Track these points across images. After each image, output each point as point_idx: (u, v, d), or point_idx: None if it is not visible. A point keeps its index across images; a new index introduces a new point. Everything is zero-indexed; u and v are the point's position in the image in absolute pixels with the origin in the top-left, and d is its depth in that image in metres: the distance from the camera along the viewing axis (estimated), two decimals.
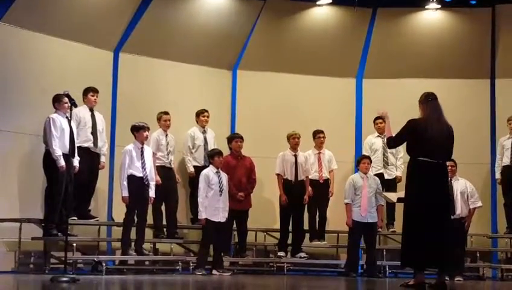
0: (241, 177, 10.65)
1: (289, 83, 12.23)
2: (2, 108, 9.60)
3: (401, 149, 9.99)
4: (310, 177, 11.13)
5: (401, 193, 9.09)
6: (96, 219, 10.06)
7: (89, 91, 9.95)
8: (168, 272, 10.19)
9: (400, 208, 8.98)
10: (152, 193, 9.69)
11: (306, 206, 11.04)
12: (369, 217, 10.41)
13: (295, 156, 11.00)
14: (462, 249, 10.32)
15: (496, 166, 11.50)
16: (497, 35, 12.02)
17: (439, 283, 7.35)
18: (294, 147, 11.05)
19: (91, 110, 9.97)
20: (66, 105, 8.88)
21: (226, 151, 10.63)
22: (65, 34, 10.28)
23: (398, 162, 11.32)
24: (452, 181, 10.09)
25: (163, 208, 10.50)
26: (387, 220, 11.32)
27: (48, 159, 9.13)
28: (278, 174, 10.99)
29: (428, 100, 7.46)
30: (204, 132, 11.08)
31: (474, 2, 11.82)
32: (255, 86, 12.19)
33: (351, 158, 12.06)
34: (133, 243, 9.63)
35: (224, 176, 10.04)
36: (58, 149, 9.05)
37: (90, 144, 9.87)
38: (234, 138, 10.82)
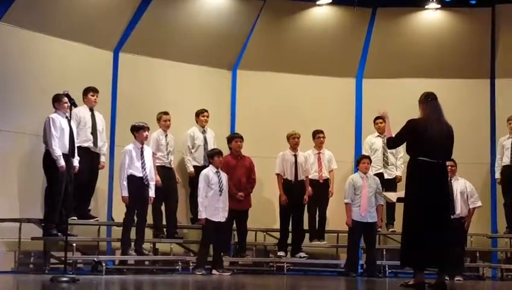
0: (240, 177, 10.65)
1: (289, 83, 12.24)
2: (2, 108, 9.60)
3: (401, 149, 9.98)
4: (309, 177, 11.14)
5: (400, 192, 9.10)
6: (96, 218, 10.07)
7: (89, 91, 9.95)
8: (168, 272, 10.19)
9: (399, 208, 8.99)
10: (152, 193, 9.69)
11: (306, 206, 11.04)
12: (369, 217, 10.41)
13: (295, 156, 11.01)
14: (462, 249, 10.32)
15: (495, 166, 11.50)
16: (497, 35, 12.02)
17: (439, 283, 7.35)
18: (294, 147, 11.05)
19: (91, 110, 9.97)
20: (66, 105, 8.88)
21: (225, 151, 10.63)
22: (65, 34, 10.28)
23: (398, 162, 11.33)
24: (452, 181, 10.09)
25: (163, 208, 10.50)
26: (387, 220, 11.32)
27: (48, 159, 9.13)
28: (277, 174, 10.99)
29: (428, 100, 7.46)
30: (204, 132, 11.08)
31: (474, 2, 11.82)
32: (255, 85, 12.20)
33: (351, 158, 12.06)
34: (132, 243, 9.63)
35: (224, 176, 10.04)
36: (58, 149, 9.05)
37: (90, 144, 9.87)
38: (234, 138, 10.83)
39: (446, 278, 8.21)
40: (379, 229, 10.87)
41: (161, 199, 10.28)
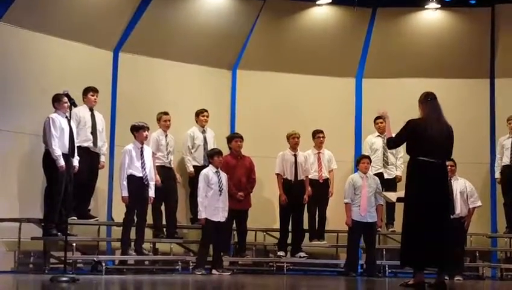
0: (240, 176, 10.65)
1: (289, 83, 12.24)
2: (2, 108, 9.60)
3: (401, 149, 9.99)
4: (309, 177, 11.14)
5: (400, 192, 9.10)
6: (95, 218, 10.07)
7: (89, 91, 9.95)
8: (167, 272, 10.19)
9: (399, 208, 9.00)
10: (152, 193, 9.69)
11: (306, 206, 11.04)
12: (369, 216, 10.42)
13: (295, 155, 11.01)
14: (462, 249, 10.33)
15: (495, 165, 11.50)
16: (497, 35, 12.03)
17: (438, 283, 7.35)
18: (293, 147, 11.05)
19: (91, 109, 9.97)
20: (66, 105, 8.87)
21: (225, 151, 10.63)
22: (65, 34, 10.28)
23: (398, 162, 11.33)
24: (452, 181, 10.09)
25: (162, 208, 10.50)
26: (387, 220, 11.32)
27: (48, 158, 9.13)
28: (277, 174, 10.99)
29: (428, 100, 7.46)
30: (203, 132, 11.08)
31: (473, 2, 11.82)
32: (255, 85, 12.20)
33: (351, 158, 12.06)
34: (132, 243, 9.64)
35: (223, 176, 10.04)
36: (58, 149, 9.05)
37: (89, 144, 9.87)
38: (234, 138, 10.83)
39: (446, 277, 8.21)
40: (379, 229, 10.88)
41: (161, 199, 10.28)
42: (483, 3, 11.88)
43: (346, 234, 10.64)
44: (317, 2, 12.02)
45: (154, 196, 9.74)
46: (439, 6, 12.03)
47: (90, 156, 9.86)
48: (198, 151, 10.97)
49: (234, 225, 10.70)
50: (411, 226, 7.31)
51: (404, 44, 12.18)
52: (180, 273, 10.04)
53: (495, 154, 11.61)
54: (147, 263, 10.51)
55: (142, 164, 9.56)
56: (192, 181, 10.76)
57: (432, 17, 12.19)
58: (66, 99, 8.55)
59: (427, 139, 7.27)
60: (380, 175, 11.12)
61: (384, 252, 11.10)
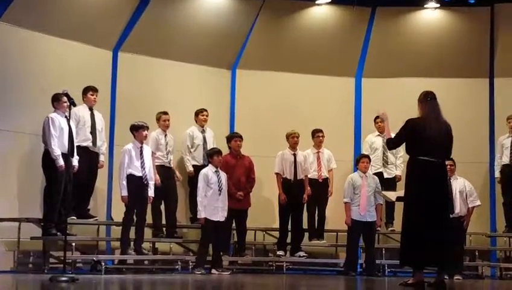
0: (240, 176, 10.65)
1: (288, 82, 12.24)
2: (2, 108, 9.60)
3: (401, 148, 9.95)
4: (309, 176, 11.15)
5: (400, 192, 9.10)
6: (95, 218, 10.06)
7: (89, 90, 9.95)
8: (167, 272, 10.19)
9: (399, 207, 9.00)
10: (151, 193, 9.69)
11: (305, 205, 11.04)
12: (368, 216, 10.42)
13: (294, 155, 11.01)
14: (461, 248, 10.33)
15: (495, 165, 11.50)
16: (496, 35, 12.03)
17: (438, 282, 7.36)
18: (293, 146, 11.05)
19: (90, 109, 9.97)
20: (65, 104, 8.87)
21: (225, 151, 10.63)
22: (64, 34, 10.28)
23: (398, 161, 11.33)
24: (451, 180, 10.10)
25: (162, 207, 10.51)
26: (386, 219, 11.32)
27: (47, 158, 9.13)
28: (277, 173, 11.00)
29: (428, 99, 7.46)
30: (203, 131, 11.07)
31: (473, 1, 11.82)
32: (254, 85, 12.20)
33: (350, 157, 12.07)
34: (132, 243, 9.64)
35: (223, 175, 10.04)
36: (57, 149, 9.05)
37: (89, 143, 9.87)
38: (233, 137, 10.83)
39: (445, 277, 8.21)
40: (378, 228, 10.88)
41: (160, 198, 10.29)
42: (483, 2, 11.88)
43: (346, 233, 10.64)
44: (317, 2, 12.02)
45: (153, 195, 9.74)
46: (438, 5, 12.03)
47: (89, 156, 9.86)
48: (198, 151, 10.97)
49: (234, 225, 10.70)
50: (410, 226, 7.31)
51: (404, 43, 12.19)
52: (180, 272, 10.04)
53: (494, 153, 11.62)
54: (146, 262, 10.52)
55: (141, 163, 9.56)
56: (192, 181, 10.76)
57: (431, 16, 12.19)
58: (65, 98, 8.54)
59: (426, 139, 7.28)
60: (379, 174, 11.13)
61: (383, 252, 11.10)
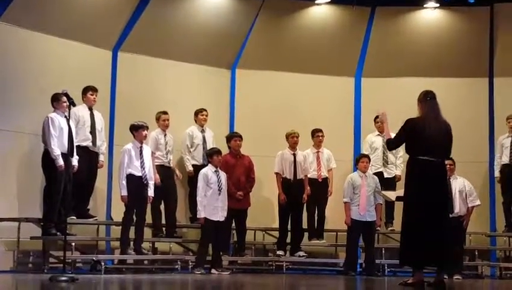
0: (240, 176, 10.65)
1: (288, 82, 12.24)
2: (1, 107, 9.60)
3: (401, 148, 9.96)
4: (308, 176, 11.14)
5: (399, 191, 9.09)
6: (95, 218, 10.06)
7: (88, 90, 9.95)
8: (167, 271, 10.19)
9: (398, 207, 9.00)
10: (151, 192, 9.69)
11: (305, 205, 11.04)
12: (368, 215, 10.43)
13: (294, 155, 11.01)
14: (461, 248, 10.32)
15: (494, 164, 11.51)
16: (496, 34, 12.03)
17: (437, 282, 7.36)
18: (293, 146, 11.05)
19: (90, 109, 9.97)
20: (65, 104, 8.86)
21: (224, 150, 10.63)
22: (64, 33, 10.28)
23: (398, 161, 11.32)
24: (451, 180, 10.10)
25: (162, 207, 10.50)
26: (386, 219, 11.32)
27: (47, 158, 9.13)
28: (276, 173, 11.00)
29: (427, 99, 7.46)
30: (203, 131, 11.07)
31: (472, 1, 11.82)
32: (254, 84, 12.20)
33: (350, 157, 12.07)
34: (132, 242, 9.64)
35: (223, 175, 10.04)
36: (57, 148, 9.05)
37: (89, 143, 9.87)
38: (233, 137, 10.83)
39: (445, 276, 8.21)
40: (378, 228, 10.88)
41: (160, 198, 10.28)
42: (482, 2, 11.88)
43: (346, 233, 10.64)
44: (316, 1, 12.02)
45: (153, 195, 9.74)
46: (438, 5, 12.04)
47: (89, 156, 9.86)
48: (198, 151, 10.96)
49: (233, 224, 10.70)
50: (410, 225, 7.31)
51: (403, 43, 12.19)
52: (180, 272, 10.04)
53: (494, 153, 11.62)
54: (146, 262, 10.51)
55: (141, 163, 9.56)
56: (192, 180, 10.75)
57: (430, 16, 12.20)
58: (65, 98, 8.53)
59: (426, 138, 7.28)
60: (380, 174, 11.13)
61: (383, 251, 11.11)
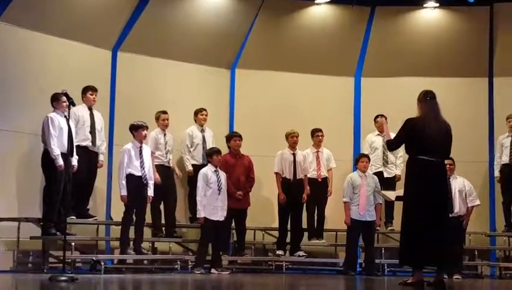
0: (239, 175, 10.65)
1: (287, 82, 12.24)
2: (1, 107, 9.60)
3: (401, 148, 10.00)
4: (308, 175, 11.14)
5: (399, 191, 9.09)
6: (94, 218, 10.06)
7: (88, 90, 9.95)
8: (166, 271, 10.19)
9: (398, 207, 9.00)
10: (150, 192, 9.69)
11: (304, 204, 11.04)
12: (368, 215, 10.43)
13: (294, 154, 11.01)
14: (461, 248, 10.33)
15: (494, 164, 11.51)
16: (495, 34, 12.03)
17: (437, 281, 7.35)
18: (292, 146, 11.05)
19: (90, 109, 9.97)
20: (64, 104, 8.86)
21: (224, 150, 10.63)
22: (63, 33, 10.28)
23: (398, 161, 11.32)
24: (450, 179, 10.09)
25: (161, 207, 10.50)
26: (386, 219, 11.33)
27: (47, 158, 9.13)
28: (276, 173, 10.99)
29: (427, 99, 7.45)
30: (202, 131, 11.07)
31: (472, 1, 11.80)
32: (254, 84, 12.20)
33: (350, 157, 12.06)
34: (131, 242, 9.63)
35: (222, 175, 10.04)
36: (57, 148, 9.05)
37: (88, 143, 9.87)
38: (233, 137, 10.83)
39: (445, 276, 8.21)
40: (378, 227, 10.88)
41: (160, 198, 10.28)
42: (482, 2, 11.88)
43: (345, 233, 10.64)
44: (316, 1, 12.02)
45: (152, 195, 9.74)
46: (437, 5, 12.04)
47: (89, 155, 9.86)
48: (197, 150, 10.96)
49: (233, 224, 10.70)
50: (410, 225, 7.31)
51: (403, 43, 12.19)
52: (179, 272, 10.04)
53: (494, 152, 11.62)
54: (145, 262, 10.51)
55: (141, 163, 9.56)
56: (191, 180, 10.75)
57: (430, 15, 12.20)
58: (64, 98, 8.54)
59: (425, 138, 7.27)
60: (380, 174, 11.13)
61: (383, 251, 11.11)
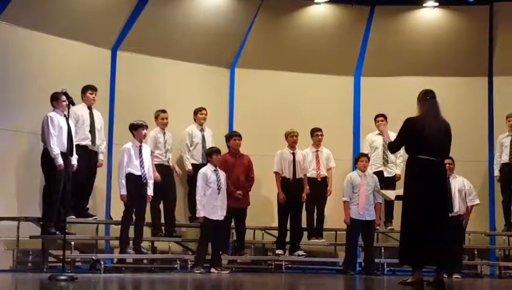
0: (239, 175, 10.65)
1: (287, 81, 12.23)
2: (1, 107, 9.60)
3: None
4: (308, 175, 11.14)
5: (399, 190, 9.08)
6: (94, 217, 10.06)
7: (88, 89, 9.95)
8: (166, 271, 10.19)
9: (398, 206, 9.00)
10: (150, 191, 9.69)
11: (304, 204, 11.04)
12: (367, 215, 10.43)
13: (293, 154, 11.01)
14: (460, 247, 10.33)
15: (494, 163, 11.51)
16: (495, 33, 12.03)
17: (437, 281, 7.35)
18: (292, 145, 11.05)
19: (89, 108, 9.97)
20: (64, 103, 8.86)
21: (224, 150, 10.62)
22: (63, 33, 10.28)
23: (398, 160, 11.32)
24: (450, 179, 10.09)
25: (161, 206, 10.50)
26: (385, 218, 11.33)
27: (46, 157, 9.12)
28: (276, 172, 10.99)
29: (427, 98, 7.45)
30: (202, 130, 11.07)
31: (471, 0, 11.82)
32: (253, 84, 12.20)
33: (349, 156, 12.06)
34: (131, 242, 9.63)
35: (222, 174, 10.04)
36: (56, 148, 9.04)
37: (88, 142, 9.87)
38: (232, 136, 10.83)
39: (444, 275, 8.21)
40: (377, 227, 10.88)
41: (159, 197, 10.27)
42: (482, 1, 11.89)
43: (345, 232, 10.64)
44: (315, 0, 12.03)
45: (152, 194, 9.74)
46: (437, 4, 12.05)
47: (88, 155, 9.86)
48: (197, 150, 10.96)
49: (233, 224, 10.69)
50: (410, 225, 7.30)
51: (402, 42, 12.19)
52: (179, 271, 10.04)
53: (493, 152, 11.62)
54: (145, 261, 10.51)
55: (140, 162, 9.56)
56: (191, 179, 10.75)
57: (430, 15, 12.20)
58: (64, 97, 8.54)
59: (425, 138, 7.27)
60: (380, 173, 11.14)
61: (382, 250, 11.11)
